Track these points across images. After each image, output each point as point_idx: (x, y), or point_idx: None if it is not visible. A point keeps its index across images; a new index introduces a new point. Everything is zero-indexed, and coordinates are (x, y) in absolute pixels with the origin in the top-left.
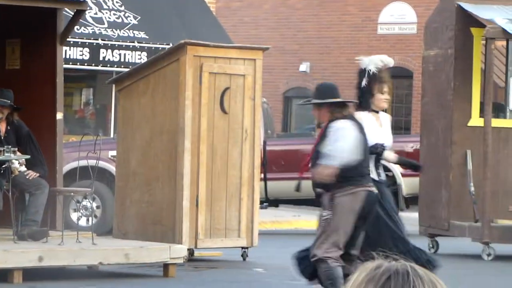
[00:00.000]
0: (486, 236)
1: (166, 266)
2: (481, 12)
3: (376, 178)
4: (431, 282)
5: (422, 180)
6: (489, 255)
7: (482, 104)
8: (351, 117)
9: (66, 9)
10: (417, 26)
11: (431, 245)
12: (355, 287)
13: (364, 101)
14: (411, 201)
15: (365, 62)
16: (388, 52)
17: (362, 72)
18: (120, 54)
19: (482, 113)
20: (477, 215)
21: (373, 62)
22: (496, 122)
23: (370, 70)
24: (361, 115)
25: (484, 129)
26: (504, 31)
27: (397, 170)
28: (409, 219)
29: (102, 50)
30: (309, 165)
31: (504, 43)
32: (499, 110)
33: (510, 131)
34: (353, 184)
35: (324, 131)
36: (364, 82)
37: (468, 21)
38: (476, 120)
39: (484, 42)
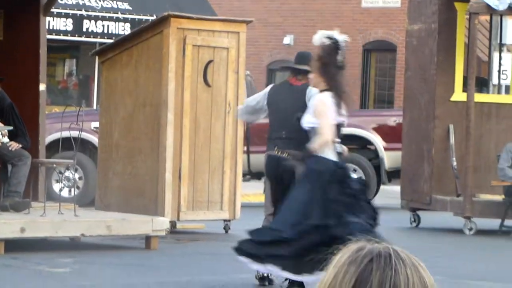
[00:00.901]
0: (467, 211)
1: (148, 238)
2: None
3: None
4: (413, 266)
5: (404, 154)
6: (470, 229)
7: (465, 79)
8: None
9: None
10: (401, 0)
11: (412, 219)
12: (337, 268)
13: (338, 80)
14: (393, 175)
15: (321, 37)
16: (372, 25)
17: (334, 48)
18: (103, 25)
19: (465, 88)
20: (459, 190)
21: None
22: (479, 97)
23: (341, 44)
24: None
25: (467, 104)
26: (488, 6)
27: (379, 143)
28: (391, 192)
29: (85, 21)
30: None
31: (488, 17)
32: (482, 85)
33: (493, 106)
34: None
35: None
36: (340, 57)
37: None
38: (459, 95)
39: (467, 17)
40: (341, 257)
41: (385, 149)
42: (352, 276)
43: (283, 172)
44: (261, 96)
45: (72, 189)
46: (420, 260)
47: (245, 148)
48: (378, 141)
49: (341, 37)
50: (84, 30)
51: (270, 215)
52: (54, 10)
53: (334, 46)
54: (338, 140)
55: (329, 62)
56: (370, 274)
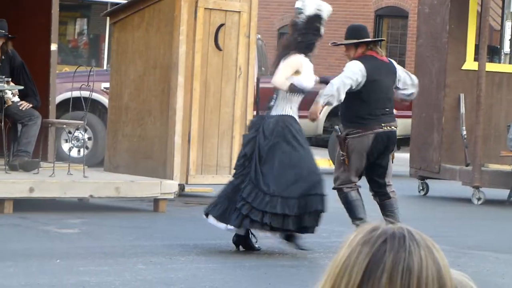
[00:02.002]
0: (476, 180)
1: (156, 201)
2: None
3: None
4: (427, 247)
5: (414, 121)
6: (479, 199)
7: (477, 48)
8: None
9: None
10: None
11: (421, 187)
12: (351, 248)
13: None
14: (403, 143)
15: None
16: None
17: (317, 18)
18: None
19: (476, 57)
20: (468, 159)
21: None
22: (490, 67)
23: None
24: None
25: (478, 73)
26: None
27: None
28: (400, 160)
29: None
30: None
31: None
32: (494, 53)
33: (504, 76)
34: (360, 127)
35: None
36: (322, 29)
37: None
38: (470, 64)
39: None
40: (355, 236)
41: (395, 116)
42: (365, 257)
43: (391, 146)
44: (358, 75)
45: (81, 150)
46: (434, 241)
47: (255, 113)
48: None
49: (312, 3)
50: None
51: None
52: None
53: (296, 13)
54: None
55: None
56: (383, 255)
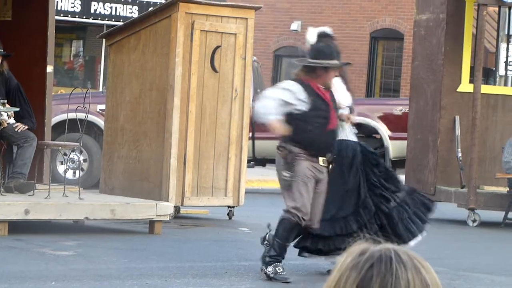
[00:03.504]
0: (471, 202)
1: (152, 223)
2: None
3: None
4: (414, 268)
5: (409, 143)
6: (474, 221)
7: (472, 69)
8: None
9: None
10: None
11: None
12: (340, 272)
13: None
14: (398, 164)
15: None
16: (380, 13)
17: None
18: (111, 7)
19: (472, 79)
20: (464, 181)
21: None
22: (486, 89)
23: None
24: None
25: (473, 95)
26: None
27: (385, 132)
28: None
29: (93, 3)
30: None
31: (496, 8)
32: (489, 75)
33: (499, 98)
34: None
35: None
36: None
37: None
38: (465, 86)
39: (476, 7)
40: (345, 260)
41: (390, 138)
42: (353, 282)
43: None
44: None
45: (77, 172)
46: (423, 260)
47: (250, 134)
48: (383, 130)
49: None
50: (92, 11)
51: None
52: None
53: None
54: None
55: None
56: (370, 281)
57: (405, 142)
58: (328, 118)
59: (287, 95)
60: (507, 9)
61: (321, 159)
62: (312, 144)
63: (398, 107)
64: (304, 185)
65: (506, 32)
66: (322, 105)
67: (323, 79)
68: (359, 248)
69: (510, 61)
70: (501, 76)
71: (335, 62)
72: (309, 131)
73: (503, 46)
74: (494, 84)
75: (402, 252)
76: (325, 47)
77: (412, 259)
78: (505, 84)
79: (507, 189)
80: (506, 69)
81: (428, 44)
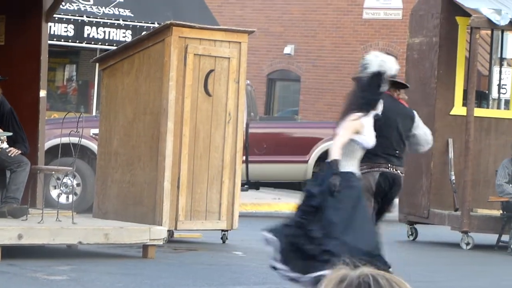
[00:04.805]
0: (465, 225)
1: (145, 247)
2: (466, 1)
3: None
4: None
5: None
6: (467, 244)
7: (465, 92)
8: None
9: None
10: (402, 12)
11: (410, 232)
12: None
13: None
14: None
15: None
16: (373, 37)
17: (379, 75)
18: (104, 32)
19: (465, 102)
20: (457, 204)
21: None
22: (479, 112)
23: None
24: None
25: (466, 118)
26: (489, 21)
27: None
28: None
29: (86, 27)
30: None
31: (489, 31)
32: (482, 98)
33: (492, 121)
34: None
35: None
36: (383, 87)
37: (454, 9)
38: (458, 109)
39: (469, 31)
40: (326, 287)
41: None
42: None
43: (395, 189)
44: None
45: (70, 196)
46: (402, 282)
47: (244, 158)
48: None
49: (377, 60)
50: (85, 36)
51: None
52: (55, 15)
53: (362, 68)
54: None
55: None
56: None
57: None
58: None
59: None
60: (500, 32)
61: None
62: None
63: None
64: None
65: (499, 55)
66: None
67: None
68: (338, 275)
69: (503, 84)
70: (494, 99)
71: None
72: None
73: (496, 69)
74: (487, 107)
75: (381, 276)
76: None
77: (391, 283)
78: (498, 107)
79: (501, 212)
80: (499, 92)
81: (421, 68)
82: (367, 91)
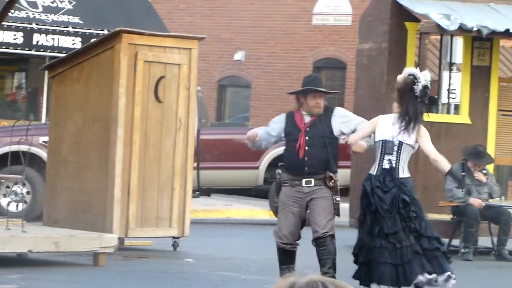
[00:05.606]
0: None
1: (96, 255)
2: (416, 6)
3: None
4: None
5: (353, 172)
6: None
7: None
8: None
9: None
10: (351, 18)
11: None
12: None
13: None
14: (343, 192)
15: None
16: (322, 43)
17: (412, 82)
18: (53, 39)
19: None
20: None
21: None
22: (429, 117)
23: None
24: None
25: None
26: (439, 26)
27: None
28: (340, 210)
29: (35, 35)
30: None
31: (438, 37)
32: (431, 103)
33: (442, 126)
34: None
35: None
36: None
37: (403, 15)
38: None
39: (418, 36)
40: None
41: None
42: None
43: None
44: None
45: (20, 204)
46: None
47: (195, 164)
48: None
49: (422, 74)
50: (34, 43)
51: None
52: (4, 23)
53: (412, 80)
54: (389, 157)
55: (405, 92)
56: None
57: (348, 171)
58: (296, 141)
59: (268, 128)
60: (449, 37)
61: (303, 180)
62: (288, 167)
63: (342, 136)
64: (282, 211)
65: (448, 60)
66: (293, 130)
67: (305, 106)
68: (286, 282)
69: (452, 89)
70: (443, 104)
71: (309, 87)
72: (284, 155)
73: (445, 74)
74: (437, 112)
75: (329, 282)
76: (306, 77)
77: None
78: (448, 112)
79: (451, 216)
80: (449, 97)
81: (371, 74)
82: (423, 103)
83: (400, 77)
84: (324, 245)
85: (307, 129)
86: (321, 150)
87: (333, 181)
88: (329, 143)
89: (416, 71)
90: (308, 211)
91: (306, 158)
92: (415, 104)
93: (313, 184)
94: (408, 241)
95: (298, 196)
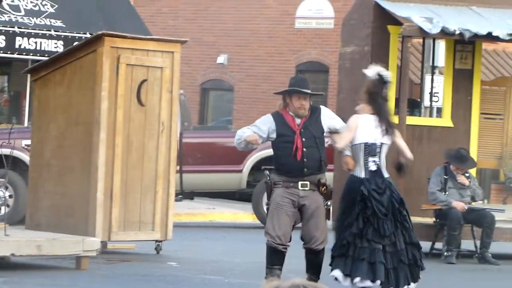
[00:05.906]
0: None
1: (78, 258)
2: (398, 10)
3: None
4: None
5: (336, 174)
6: None
7: (397, 101)
8: None
9: None
10: (334, 21)
11: None
12: None
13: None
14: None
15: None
16: (305, 46)
17: (381, 82)
18: (36, 42)
19: (397, 110)
20: None
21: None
22: (411, 120)
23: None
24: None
25: (398, 127)
26: (421, 29)
27: None
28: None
29: (18, 38)
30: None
31: (421, 40)
32: (414, 106)
33: (424, 129)
34: None
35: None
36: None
37: (385, 18)
38: None
39: (400, 39)
40: None
41: None
42: None
43: None
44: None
45: (2, 208)
46: None
47: (178, 167)
48: None
49: (387, 73)
50: (17, 47)
51: None
52: None
53: (381, 80)
54: (374, 158)
55: (375, 94)
56: None
57: (331, 174)
58: (293, 142)
59: (255, 128)
60: (431, 41)
61: (300, 183)
62: (283, 169)
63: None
64: (275, 211)
65: (430, 64)
66: (287, 131)
67: (291, 107)
68: (271, 285)
69: (435, 92)
70: (426, 107)
71: (294, 88)
72: (278, 156)
73: (428, 77)
74: (419, 116)
75: (312, 286)
76: (292, 78)
77: None
78: (430, 115)
79: (434, 219)
80: (431, 100)
81: (354, 77)
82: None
83: (369, 78)
84: (316, 254)
85: (302, 130)
86: (315, 151)
87: (325, 187)
88: (320, 143)
89: (381, 69)
90: (302, 219)
91: (305, 160)
92: (385, 105)
93: (308, 188)
94: (398, 246)
95: (292, 199)
